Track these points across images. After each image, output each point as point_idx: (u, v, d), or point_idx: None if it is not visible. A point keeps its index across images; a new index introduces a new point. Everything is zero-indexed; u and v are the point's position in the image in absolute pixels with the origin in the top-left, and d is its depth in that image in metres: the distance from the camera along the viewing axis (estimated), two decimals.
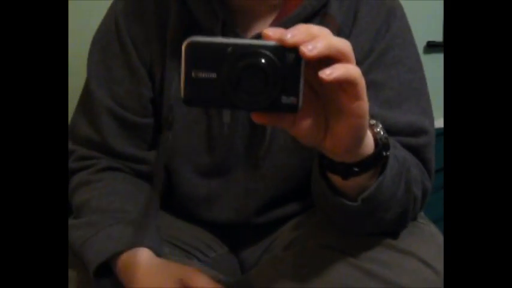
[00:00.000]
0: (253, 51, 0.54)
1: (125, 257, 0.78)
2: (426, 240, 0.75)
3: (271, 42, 0.54)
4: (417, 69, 0.83)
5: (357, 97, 0.57)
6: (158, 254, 0.81)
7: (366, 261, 0.73)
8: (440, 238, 0.76)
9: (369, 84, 0.78)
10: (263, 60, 0.54)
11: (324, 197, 0.71)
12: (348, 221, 0.74)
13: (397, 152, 0.70)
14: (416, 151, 0.78)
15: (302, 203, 0.90)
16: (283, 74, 0.54)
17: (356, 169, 0.65)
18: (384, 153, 0.66)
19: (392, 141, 0.72)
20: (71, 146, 0.90)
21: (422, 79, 0.83)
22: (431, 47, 1.65)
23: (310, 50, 0.54)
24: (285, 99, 0.55)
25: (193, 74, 0.54)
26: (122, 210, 0.83)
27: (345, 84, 0.56)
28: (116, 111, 0.87)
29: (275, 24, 0.81)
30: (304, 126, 0.59)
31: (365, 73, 0.78)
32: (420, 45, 1.64)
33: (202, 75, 0.54)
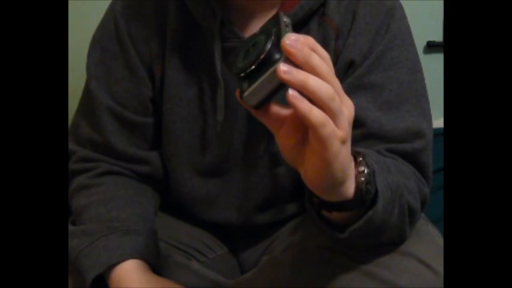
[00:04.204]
0: (269, 34, 0.56)
1: (117, 269, 0.79)
2: (425, 241, 0.75)
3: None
4: (417, 70, 0.82)
5: (319, 142, 0.55)
6: (153, 263, 0.82)
7: (365, 262, 0.72)
8: (439, 239, 0.76)
9: (368, 86, 0.79)
10: (264, 42, 0.56)
11: (314, 221, 0.70)
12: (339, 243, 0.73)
13: (390, 178, 0.69)
14: (411, 157, 0.77)
15: (301, 203, 0.89)
16: (258, 64, 0.55)
17: (329, 208, 0.64)
18: (365, 201, 0.64)
19: (386, 163, 0.71)
20: (72, 146, 0.90)
21: (421, 80, 0.83)
22: (431, 47, 1.65)
23: (284, 72, 0.53)
24: (245, 84, 0.57)
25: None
26: (119, 218, 0.83)
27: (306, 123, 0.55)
28: (116, 111, 0.87)
29: None
30: (286, 141, 0.59)
31: (364, 74, 0.79)
32: (420, 45, 1.64)
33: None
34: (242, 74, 0.57)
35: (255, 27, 0.82)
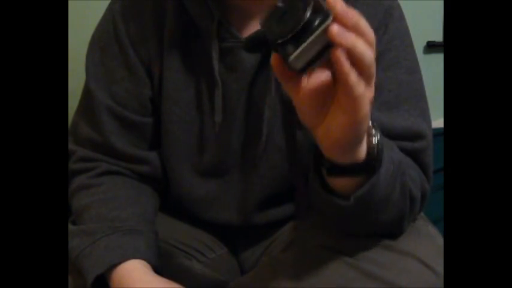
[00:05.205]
0: None
1: (119, 269, 0.79)
2: (425, 241, 0.75)
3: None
4: (415, 70, 0.82)
5: (352, 102, 0.58)
6: (154, 263, 0.81)
7: (365, 262, 0.73)
8: (439, 239, 0.76)
9: None
10: (302, 8, 0.55)
11: (318, 193, 0.71)
12: (342, 221, 0.74)
13: (393, 155, 0.70)
14: (413, 156, 0.77)
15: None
16: (303, 25, 0.55)
17: (340, 170, 0.66)
18: (375, 165, 0.66)
19: (390, 143, 0.72)
20: (72, 146, 0.90)
21: (420, 80, 0.82)
22: (431, 47, 1.65)
23: (337, 33, 0.54)
24: (289, 48, 0.56)
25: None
26: (120, 218, 0.83)
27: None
28: (116, 110, 0.87)
29: None
30: (307, 100, 0.59)
31: None
32: (420, 45, 1.65)
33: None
34: (281, 40, 0.56)
35: (252, 27, 0.82)
